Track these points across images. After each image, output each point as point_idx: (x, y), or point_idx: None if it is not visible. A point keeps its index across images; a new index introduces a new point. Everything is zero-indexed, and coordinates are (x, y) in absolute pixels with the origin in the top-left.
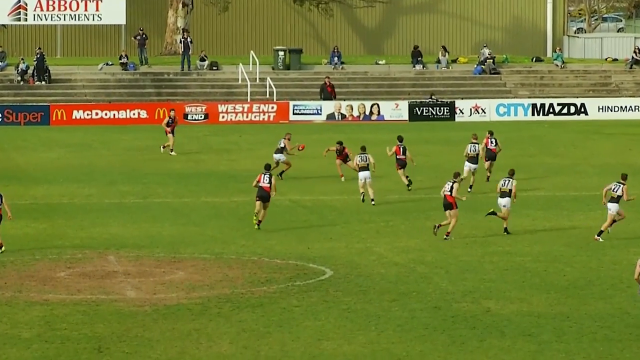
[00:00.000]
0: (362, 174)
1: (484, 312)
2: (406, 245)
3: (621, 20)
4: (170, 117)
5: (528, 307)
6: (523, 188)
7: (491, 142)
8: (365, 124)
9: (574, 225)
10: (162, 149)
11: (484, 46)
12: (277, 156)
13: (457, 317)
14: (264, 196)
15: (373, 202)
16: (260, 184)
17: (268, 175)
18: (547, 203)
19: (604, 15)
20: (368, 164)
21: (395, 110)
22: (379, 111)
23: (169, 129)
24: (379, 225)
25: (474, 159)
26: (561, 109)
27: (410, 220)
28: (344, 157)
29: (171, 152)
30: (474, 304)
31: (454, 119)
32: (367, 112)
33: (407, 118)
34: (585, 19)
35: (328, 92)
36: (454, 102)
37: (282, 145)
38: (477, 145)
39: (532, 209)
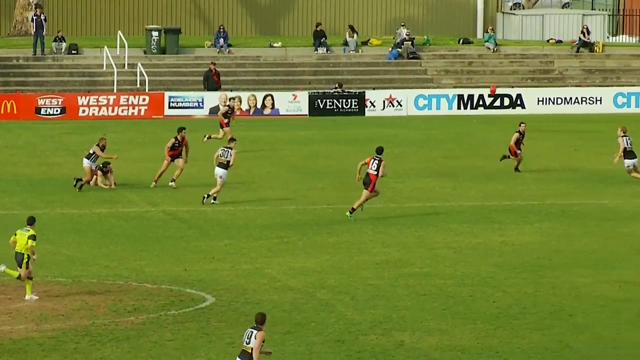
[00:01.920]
0: (219, 171)
1: (396, 346)
2: (304, 266)
3: None
4: (229, 107)
5: (450, 340)
6: (446, 197)
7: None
8: (257, 120)
9: (506, 242)
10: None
11: (401, 25)
12: (87, 163)
13: (365, 352)
14: (366, 182)
15: (214, 201)
16: (367, 171)
17: (377, 161)
18: (475, 215)
19: None
20: (228, 162)
21: (292, 102)
22: (273, 104)
23: (225, 121)
24: (271, 242)
25: (631, 154)
26: (493, 101)
27: (309, 236)
28: (178, 151)
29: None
30: (385, 336)
31: (364, 114)
32: (259, 105)
33: (306, 112)
34: None
35: (214, 81)
36: (364, 93)
37: (92, 151)
38: (628, 138)
39: (456, 222)
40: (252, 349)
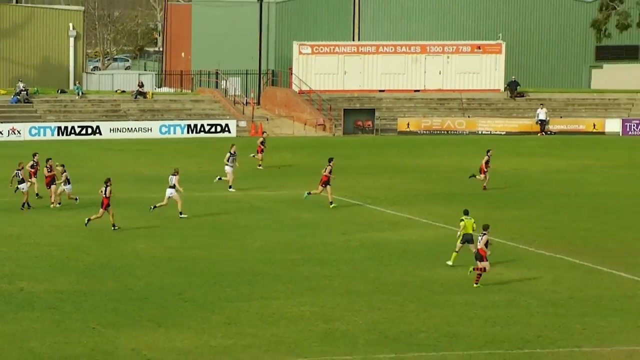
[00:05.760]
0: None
1: (18, 290)
2: None
3: (128, 60)
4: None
5: (54, 286)
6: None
7: None
8: None
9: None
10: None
11: (20, 80)
12: None
13: None
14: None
15: None
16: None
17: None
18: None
19: (115, 56)
20: None
21: None
22: None
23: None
24: None
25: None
26: (81, 130)
27: None
28: None
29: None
30: (11, 284)
31: None
32: None
33: None
34: (100, 59)
35: None
36: None
37: None
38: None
39: (64, 210)
40: None
